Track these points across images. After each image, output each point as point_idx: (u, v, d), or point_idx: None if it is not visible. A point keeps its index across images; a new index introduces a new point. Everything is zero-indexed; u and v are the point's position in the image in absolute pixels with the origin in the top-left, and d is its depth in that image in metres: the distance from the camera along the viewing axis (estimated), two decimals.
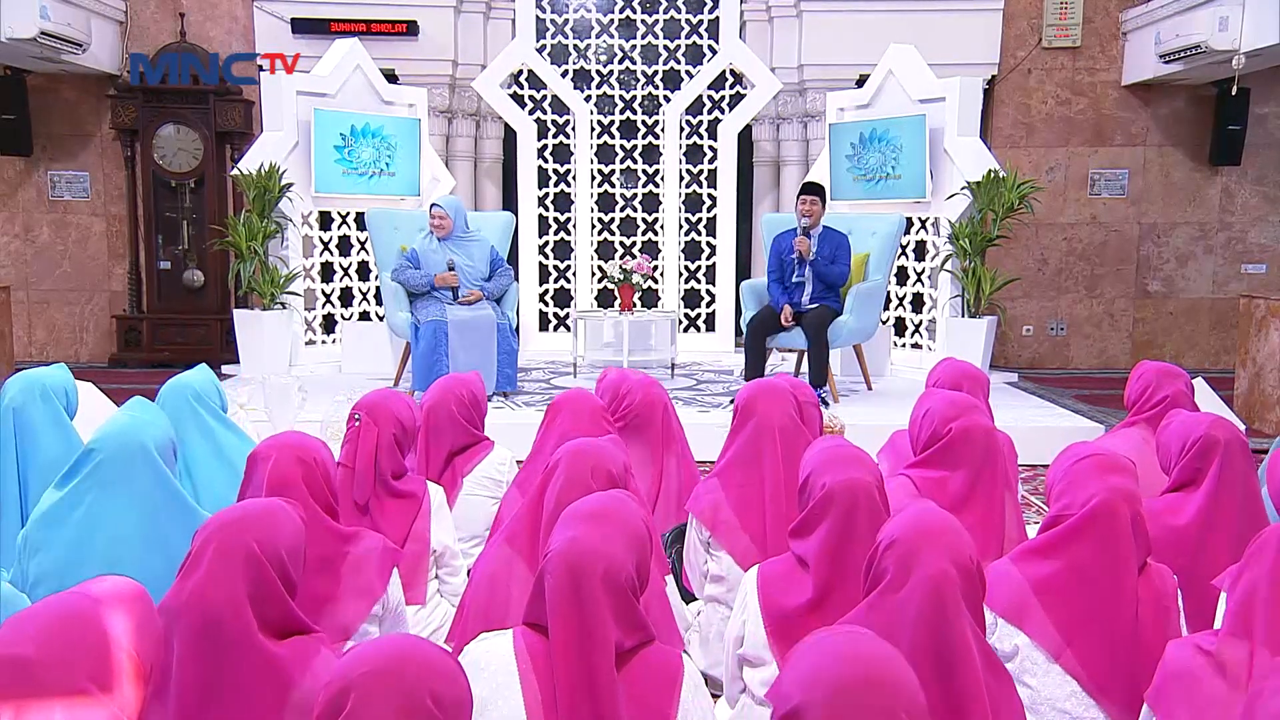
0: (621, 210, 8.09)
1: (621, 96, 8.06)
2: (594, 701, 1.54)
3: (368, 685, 1.23)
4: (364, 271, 7.25)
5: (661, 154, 7.82)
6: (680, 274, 7.94)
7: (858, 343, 6.07)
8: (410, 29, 7.75)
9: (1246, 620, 1.69)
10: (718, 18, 7.75)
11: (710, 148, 7.93)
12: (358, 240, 7.21)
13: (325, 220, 7.13)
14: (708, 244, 8.00)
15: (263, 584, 1.63)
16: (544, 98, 7.96)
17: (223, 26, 7.92)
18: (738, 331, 7.24)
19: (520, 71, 7.76)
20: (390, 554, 2.28)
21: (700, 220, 8.04)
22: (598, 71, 8.04)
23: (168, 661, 1.56)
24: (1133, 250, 8.29)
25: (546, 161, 8.00)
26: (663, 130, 7.78)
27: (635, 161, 8.08)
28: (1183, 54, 7.00)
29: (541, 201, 7.96)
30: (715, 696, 2.14)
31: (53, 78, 7.79)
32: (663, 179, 7.83)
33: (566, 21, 7.98)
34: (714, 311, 7.94)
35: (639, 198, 8.10)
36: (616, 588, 1.60)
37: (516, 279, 6.43)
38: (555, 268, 8.06)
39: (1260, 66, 7.04)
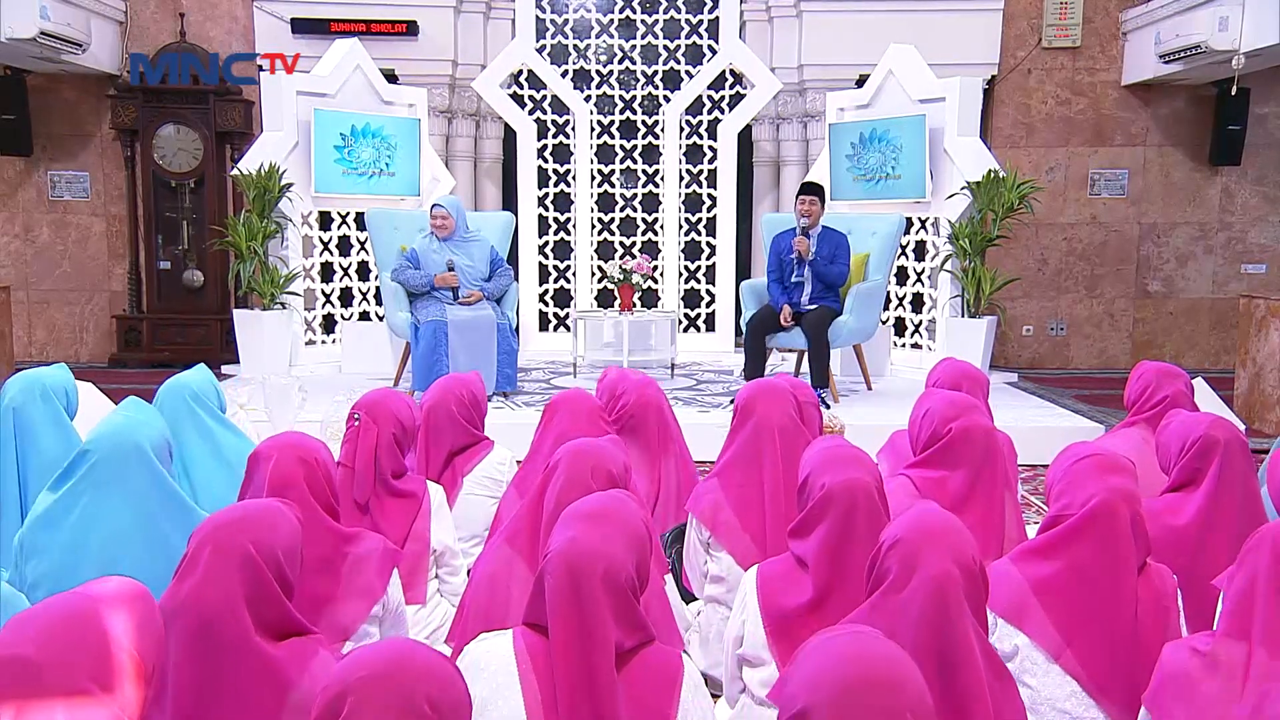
0: (621, 210, 8.09)
1: (621, 96, 8.06)
2: (594, 702, 1.54)
3: (365, 689, 1.23)
4: (364, 271, 7.25)
5: (661, 154, 7.82)
6: (680, 274, 7.94)
7: (858, 343, 6.08)
8: (410, 29, 7.75)
9: (1242, 620, 1.69)
10: (718, 18, 7.75)
11: (710, 148, 7.93)
12: (358, 240, 7.22)
13: (325, 220, 7.13)
14: (708, 244, 8.00)
15: (259, 585, 1.63)
16: (544, 98, 7.96)
17: (223, 26, 7.92)
18: (738, 331, 7.24)
19: (520, 71, 7.76)
20: (390, 555, 2.28)
21: (700, 220, 8.04)
22: (598, 71, 8.04)
23: (168, 663, 1.56)
24: (1133, 250, 8.30)
25: (546, 161, 8.00)
26: (663, 130, 7.78)
27: (635, 161, 8.08)
28: (1183, 54, 7.00)
29: (541, 201, 7.96)
30: (715, 696, 2.14)
31: (53, 78, 7.79)
32: (663, 179, 7.83)
33: (566, 21, 7.99)
34: (714, 311, 7.94)
35: (639, 198, 8.10)
36: (616, 588, 1.60)
37: (516, 279, 6.44)
38: (555, 268, 8.06)
39: (1260, 66, 7.04)
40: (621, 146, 8.06)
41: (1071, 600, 1.98)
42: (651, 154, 8.04)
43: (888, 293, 6.60)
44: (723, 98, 7.98)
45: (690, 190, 8.01)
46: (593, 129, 7.86)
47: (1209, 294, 8.36)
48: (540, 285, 7.97)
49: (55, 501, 2.33)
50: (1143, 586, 1.99)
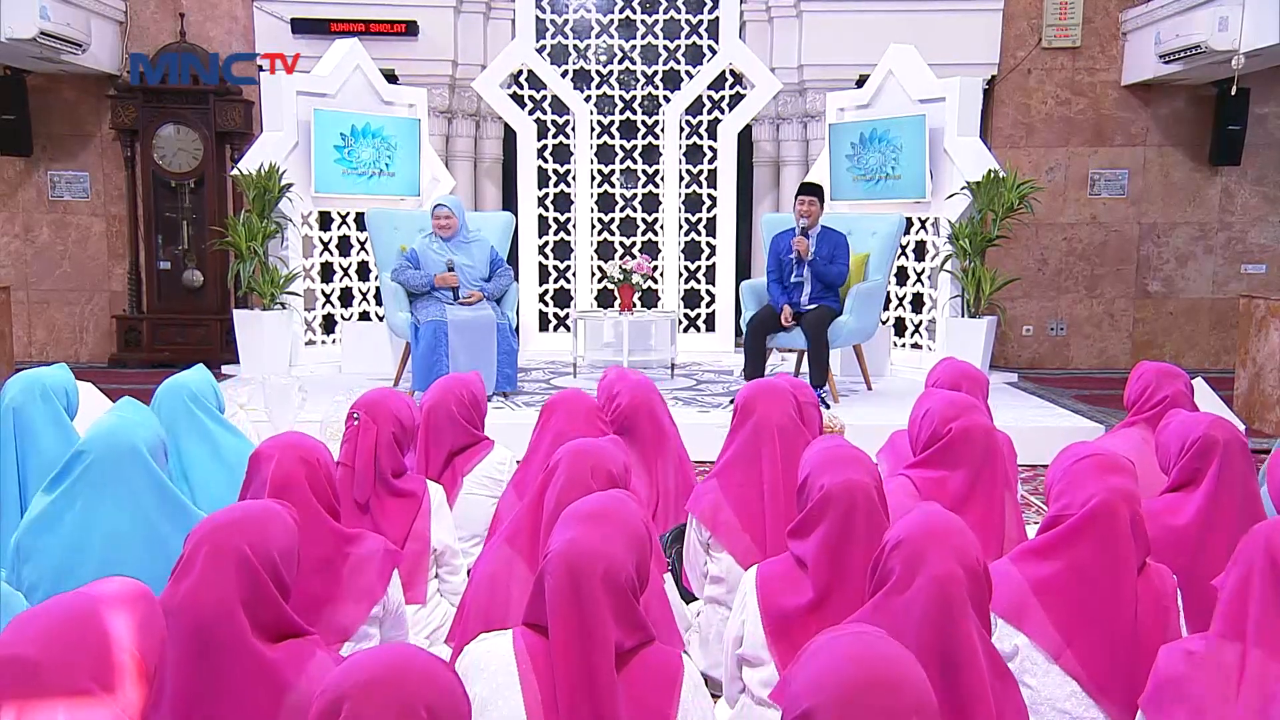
0: (621, 210, 8.09)
1: (621, 96, 8.06)
2: (594, 702, 1.54)
3: (362, 695, 1.22)
4: (364, 272, 7.25)
5: (661, 154, 7.82)
6: (680, 274, 7.94)
7: (857, 343, 6.08)
8: (410, 29, 7.75)
9: (1236, 620, 1.69)
10: (718, 18, 7.75)
11: (710, 148, 7.93)
12: (357, 240, 7.22)
13: (325, 220, 7.13)
14: (708, 244, 8.00)
15: (256, 587, 1.62)
16: (544, 98, 7.96)
17: (223, 26, 7.93)
18: (737, 331, 7.24)
19: (520, 71, 7.76)
20: (391, 556, 2.28)
21: (700, 220, 8.04)
22: (598, 71, 8.04)
23: (166, 664, 1.56)
24: (1133, 250, 8.30)
25: (546, 161, 8.00)
26: (663, 130, 7.78)
27: (635, 161, 8.08)
28: (1183, 54, 7.00)
29: (541, 201, 7.96)
30: (715, 697, 2.14)
31: (53, 78, 7.79)
32: (663, 179, 7.83)
33: (566, 21, 7.99)
34: (714, 311, 7.95)
35: (639, 198, 8.10)
36: (616, 588, 1.60)
37: (516, 279, 6.44)
38: (555, 268, 8.06)
39: (1260, 66, 7.04)
40: (621, 146, 8.06)
41: (1071, 600, 1.98)
42: (651, 154, 8.04)
43: (888, 293, 6.60)
44: (723, 98, 7.99)
45: (690, 190, 8.01)
46: (593, 129, 7.86)
47: (1209, 294, 8.36)
48: (540, 285, 7.97)
49: (51, 504, 2.32)
50: (1143, 586, 1.99)
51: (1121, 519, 1.98)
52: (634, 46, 8.01)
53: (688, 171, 7.99)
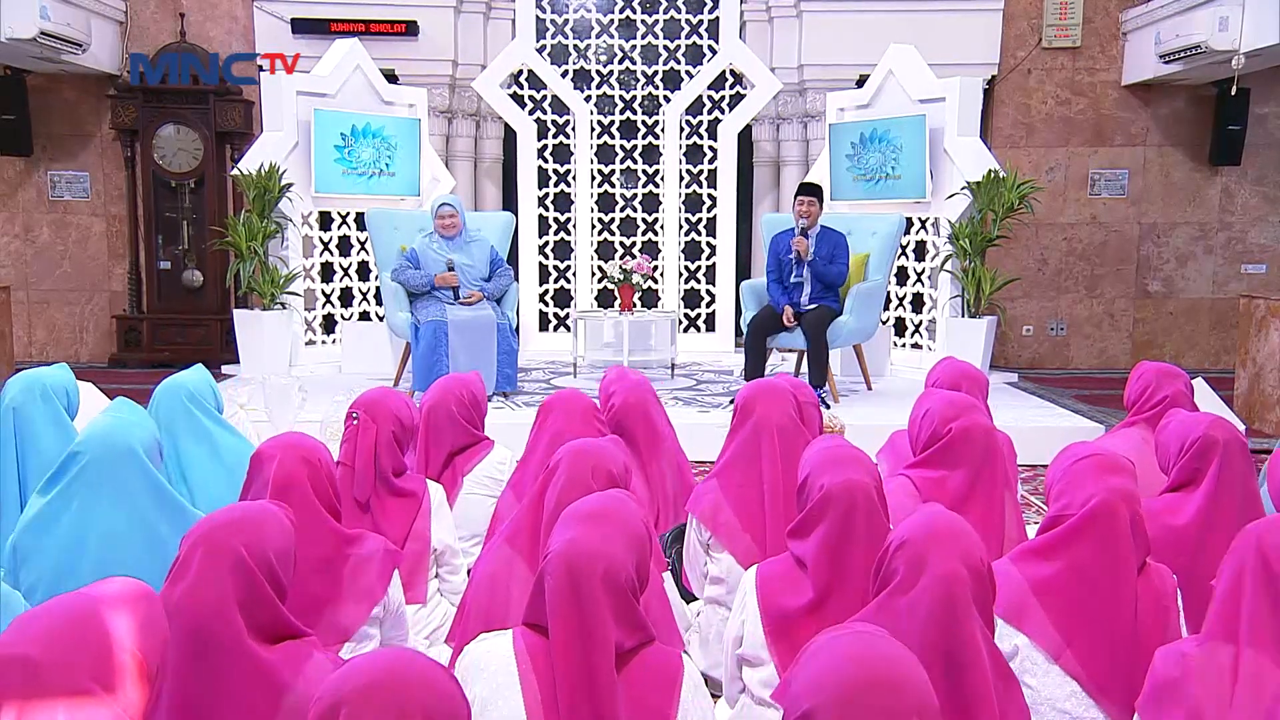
0: (621, 210, 8.10)
1: (621, 96, 8.06)
2: (594, 702, 1.54)
3: (359, 700, 1.22)
4: (364, 271, 7.25)
5: (661, 154, 7.82)
6: (680, 274, 7.94)
7: (857, 343, 6.08)
8: (410, 29, 7.75)
9: (1229, 621, 1.69)
10: (718, 18, 7.75)
11: (710, 148, 7.93)
12: (358, 240, 7.22)
13: (325, 220, 7.13)
14: (708, 244, 8.00)
15: (252, 588, 1.61)
16: (544, 98, 7.96)
17: (223, 26, 7.93)
18: (738, 331, 7.24)
19: (520, 71, 7.76)
20: (391, 556, 2.28)
21: (700, 220, 8.04)
22: (598, 71, 8.04)
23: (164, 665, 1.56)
24: (1133, 250, 8.30)
25: (546, 161, 8.00)
26: (663, 130, 7.78)
27: (635, 161, 8.08)
28: (1183, 54, 7.00)
29: (541, 201, 7.96)
30: (715, 696, 2.14)
31: (53, 78, 7.79)
32: (663, 179, 7.83)
33: (566, 21, 7.99)
34: (714, 311, 7.95)
35: (639, 198, 8.10)
36: (616, 588, 1.60)
37: (516, 279, 6.44)
38: (555, 268, 8.06)
39: (1260, 66, 7.04)
40: (621, 146, 8.06)
41: (1071, 600, 1.98)
42: (651, 154, 8.04)
43: (888, 293, 6.60)
44: (723, 98, 7.99)
45: (690, 190, 8.02)
46: (593, 129, 7.86)
47: (1209, 294, 8.36)
48: (540, 285, 7.97)
49: (46, 505, 2.31)
50: (1142, 586, 1.99)
51: (1121, 519, 1.98)
52: (634, 46, 8.01)
53: (688, 171, 7.99)
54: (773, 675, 1.97)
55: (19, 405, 2.81)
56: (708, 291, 8.02)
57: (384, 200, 6.99)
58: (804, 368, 5.92)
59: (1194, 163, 8.18)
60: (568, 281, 8.03)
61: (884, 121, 6.76)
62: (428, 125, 7.38)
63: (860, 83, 7.22)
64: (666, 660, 1.67)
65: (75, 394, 3.02)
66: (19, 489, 2.76)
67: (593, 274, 7.79)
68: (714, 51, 7.79)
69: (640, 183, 8.09)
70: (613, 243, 8.03)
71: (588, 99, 7.89)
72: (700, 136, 8.04)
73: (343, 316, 7.21)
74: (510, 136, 8.05)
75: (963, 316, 6.40)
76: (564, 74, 7.84)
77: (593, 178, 7.88)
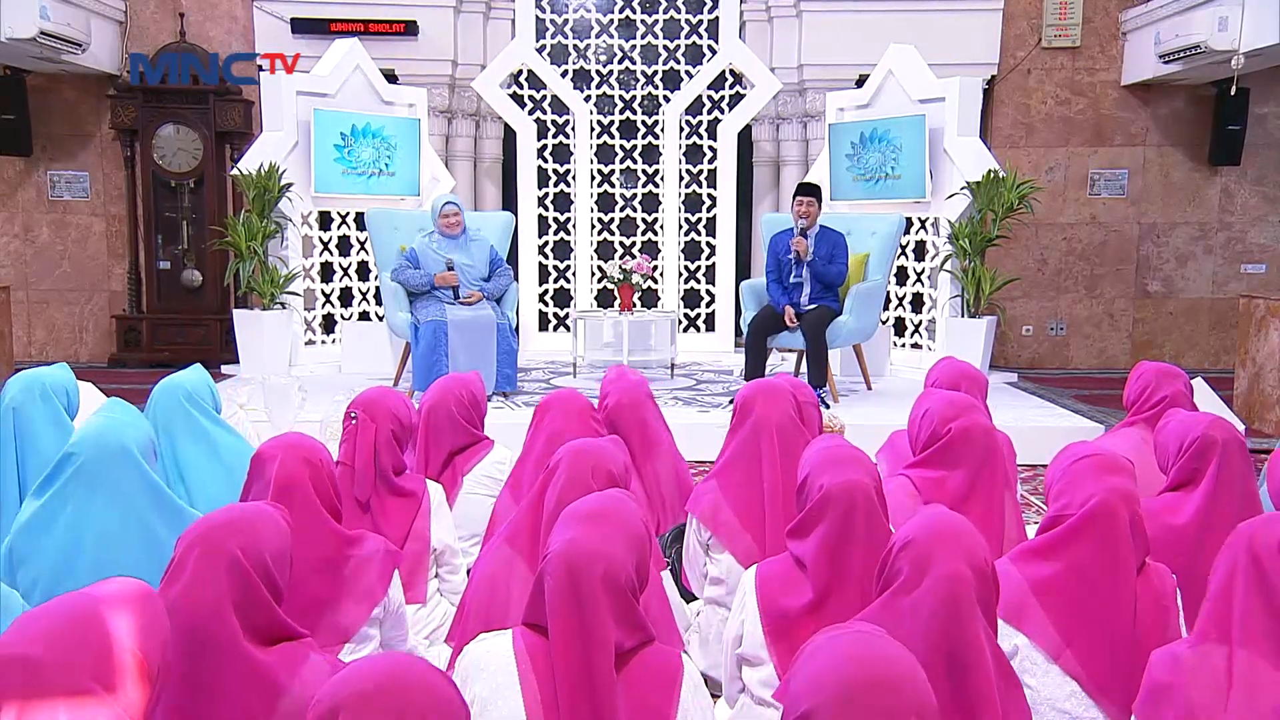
0: (621, 210, 8.10)
1: (621, 96, 8.06)
2: (594, 702, 1.54)
3: (357, 705, 1.21)
4: (364, 271, 7.25)
5: (661, 154, 7.83)
6: (680, 274, 7.94)
7: (857, 343, 6.08)
8: (410, 29, 7.75)
9: (1222, 621, 1.68)
10: (718, 18, 7.75)
11: (710, 148, 7.93)
12: (357, 240, 7.22)
13: (325, 220, 7.13)
14: (707, 244, 8.00)
15: (247, 590, 1.61)
16: (544, 98, 7.97)
17: (222, 26, 7.93)
18: (737, 331, 7.24)
19: (520, 71, 7.77)
20: (391, 556, 2.28)
21: (700, 220, 8.04)
22: (598, 71, 8.04)
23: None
24: (1132, 250, 8.30)
25: (546, 161, 8.01)
26: (662, 130, 7.78)
27: (635, 161, 8.09)
28: (1182, 54, 7.00)
29: (541, 201, 7.96)
30: (715, 696, 2.15)
31: (53, 78, 7.79)
32: (662, 179, 7.83)
33: (566, 21, 7.99)
34: (714, 311, 7.95)
35: (639, 198, 8.10)
36: (616, 588, 1.60)
37: (516, 279, 6.44)
38: (555, 268, 8.06)
39: (1260, 66, 7.04)
40: (621, 146, 8.06)
41: (1071, 600, 1.98)
42: (651, 154, 8.04)
43: (887, 293, 6.60)
44: (723, 98, 7.99)
45: (690, 190, 8.02)
46: (593, 129, 7.86)
47: (1209, 294, 8.36)
48: (540, 285, 7.97)
49: (41, 506, 2.30)
50: (1142, 586, 1.99)
51: (1121, 519, 1.98)
52: (634, 46, 8.01)
53: (688, 171, 7.99)
54: (772, 675, 1.97)
55: (19, 405, 2.81)
56: (707, 291, 8.02)
57: (384, 200, 6.99)
58: (804, 368, 5.92)
59: (1194, 163, 8.18)
60: (567, 281, 8.03)
61: (884, 121, 6.76)
62: (427, 125, 7.39)
63: (860, 83, 7.22)
64: (666, 660, 1.67)
65: (75, 394, 3.02)
66: (19, 489, 2.75)
67: (592, 274, 7.79)
68: (714, 51, 7.79)
69: (640, 183, 8.09)
70: (612, 243, 8.04)
71: (587, 99, 7.89)
72: (700, 136, 8.04)
73: (342, 316, 7.21)
74: (510, 136, 8.05)
75: (962, 316, 6.40)
76: (564, 74, 7.84)
77: (592, 178, 7.88)
